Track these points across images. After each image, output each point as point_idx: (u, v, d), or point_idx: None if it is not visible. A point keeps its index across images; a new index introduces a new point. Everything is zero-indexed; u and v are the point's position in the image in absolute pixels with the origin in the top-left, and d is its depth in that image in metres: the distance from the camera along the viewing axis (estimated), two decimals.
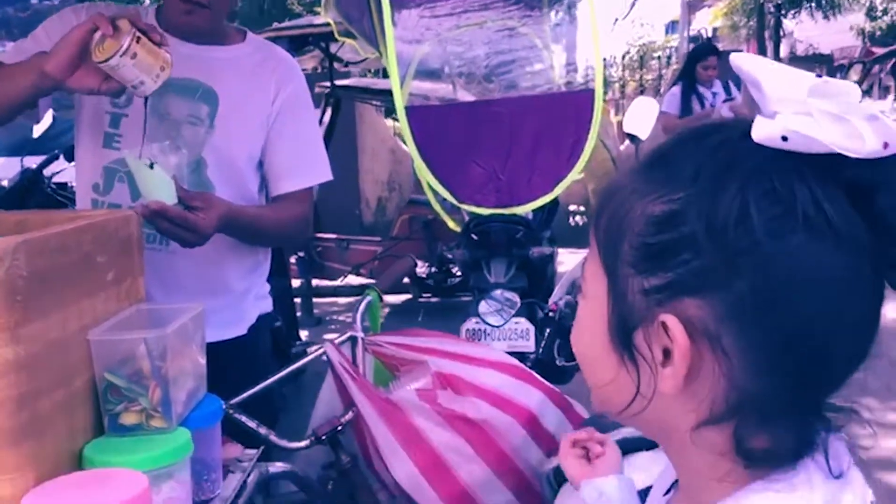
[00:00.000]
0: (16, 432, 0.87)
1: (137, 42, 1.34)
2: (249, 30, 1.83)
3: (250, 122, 1.70)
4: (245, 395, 1.55)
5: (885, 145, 0.54)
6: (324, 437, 1.60)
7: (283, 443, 1.56)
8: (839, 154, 0.53)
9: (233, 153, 1.68)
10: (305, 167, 1.79)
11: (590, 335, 0.67)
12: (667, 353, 0.60)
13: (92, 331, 1.02)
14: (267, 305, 1.85)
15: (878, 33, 17.77)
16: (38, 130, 4.57)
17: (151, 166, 1.37)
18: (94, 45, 1.34)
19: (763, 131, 0.55)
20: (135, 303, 1.17)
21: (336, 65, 6.04)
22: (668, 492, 0.75)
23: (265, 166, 1.74)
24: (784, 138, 0.55)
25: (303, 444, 1.59)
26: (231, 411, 1.46)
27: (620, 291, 0.62)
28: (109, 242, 1.11)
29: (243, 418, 1.50)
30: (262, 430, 1.53)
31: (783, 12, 15.90)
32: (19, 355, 0.87)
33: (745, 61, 0.59)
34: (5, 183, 3.64)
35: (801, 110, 0.55)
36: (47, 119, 2.58)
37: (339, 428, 1.60)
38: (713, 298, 0.56)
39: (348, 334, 1.72)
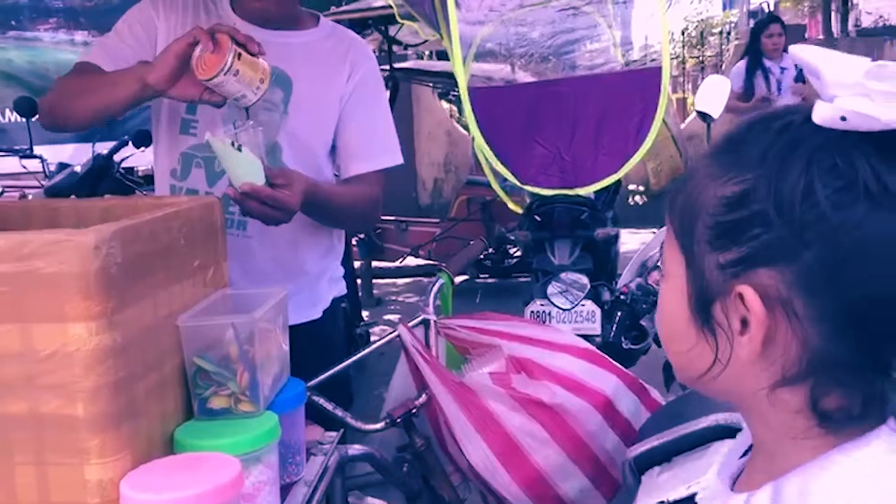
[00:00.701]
0: (115, 416, 0.89)
1: (238, 59, 1.37)
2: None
3: (324, 106, 1.70)
4: (323, 376, 1.57)
5: None
6: (398, 420, 1.61)
7: (360, 424, 1.57)
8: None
9: (307, 138, 1.69)
10: (377, 150, 1.77)
11: (672, 311, 0.72)
12: (744, 322, 0.65)
13: (181, 316, 1.04)
14: (341, 288, 1.86)
15: None
16: None
17: (239, 148, 1.36)
18: (196, 60, 1.37)
19: (823, 113, 0.60)
20: (220, 288, 1.19)
21: (394, 47, 6.04)
22: (743, 455, 0.79)
23: (337, 149, 1.75)
24: (843, 118, 0.59)
25: (378, 426, 1.60)
26: (310, 394, 1.48)
27: (698, 268, 0.68)
28: (195, 229, 1.12)
29: (321, 401, 1.52)
30: (339, 413, 1.54)
31: None
32: (116, 341, 0.88)
33: (802, 51, 0.64)
34: (78, 168, 3.73)
35: (859, 92, 0.59)
36: None
37: (414, 411, 1.61)
38: (785, 268, 0.62)
39: (420, 317, 1.72)
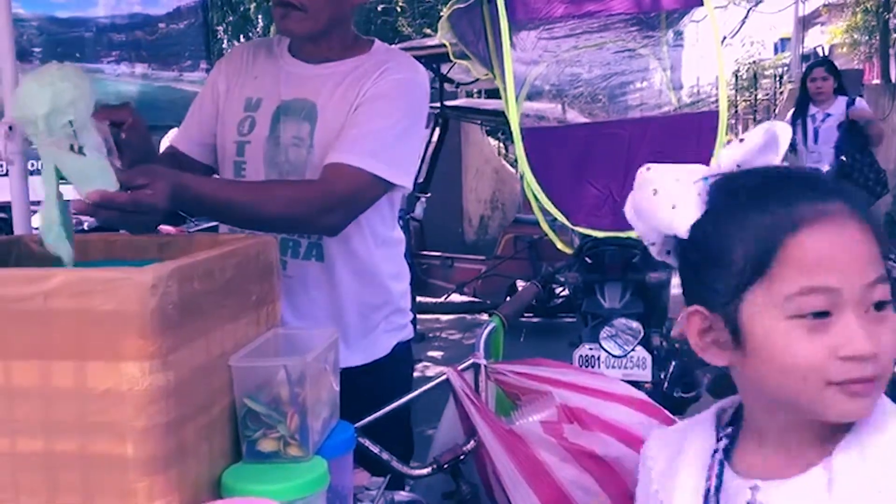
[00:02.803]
0: (165, 458, 0.87)
1: None
2: None
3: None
4: (369, 418, 1.54)
5: None
6: (446, 466, 1.57)
7: (407, 470, 1.54)
8: None
9: None
10: (357, 147, 1.54)
11: None
12: None
13: (233, 356, 1.02)
14: (406, 334, 1.84)
15: None
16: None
17: (81, 151, 1.12)
18: None
19: None
20: (272, 327, 1.17)
21: (445, 85, 6.09)
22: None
23: None
24: None
25: (425, 471, 1.57)
26: (357, 436, 1.45)
27: None
28: (251, 267, 1.11)
29: (368, 443, 1.49)
30: (386, 456, 1.51)
31: None
32: (170, 382, 0.87)
33: None
34: None
35: None
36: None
37: (462, 457, 1.57)
38: None
39: (471, 360, 1.68)
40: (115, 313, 0.84)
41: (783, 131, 0.90)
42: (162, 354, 0.86)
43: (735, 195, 0.86)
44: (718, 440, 0.92)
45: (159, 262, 0.90)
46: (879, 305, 0.80)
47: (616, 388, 1.64)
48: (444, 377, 1.63)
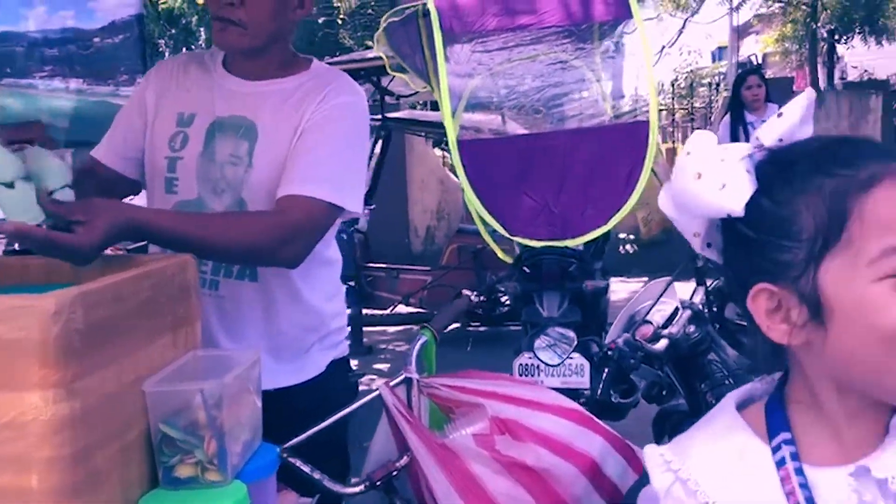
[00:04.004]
0: (73, 488, 0.85)
1: None
2: None
3: (283, 154, 1.59)
4: (299, 438, 1.52)
5: None
6: (379, 483, 1.56)
7: (339, 488, 1.52)
8: None
9: (269, 189, 1.57)
10: (309, 176, 1.54)
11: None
12: None
13: (147, 381, 1.00)
14: (341, 351, 1.82)
15: None
16: None
17: (11, 185, 1.11)
18: None
19: None
20: (191, 349, 1.15)
21: (387, 98, 6.09)
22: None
23: None
24: None
25: (358, 489, 1.55)
26: (286, 455, 1.43)
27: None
28: (167, 288, 1.10)
29: (298, 463, 1.47)
30: (317, 476, 1.49)
31: (836, 38, 15.62)
32: (75, 410, 0.85)
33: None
34: None
35: None
36: None
37: (395, 473, 1.56)
38: None
39: (403, 376, 1.68)
40: (16, 342, 0.82)
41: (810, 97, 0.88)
42: (66, 383, 0.83)
43: (793, 165, 0.83)
44: (776, 446, 0.85)
45: (68, 287, 0.88)
46: None
47: (548, 399, 1.65)
48: (375, 393, 1.62)
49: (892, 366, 0.77)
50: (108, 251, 1.29)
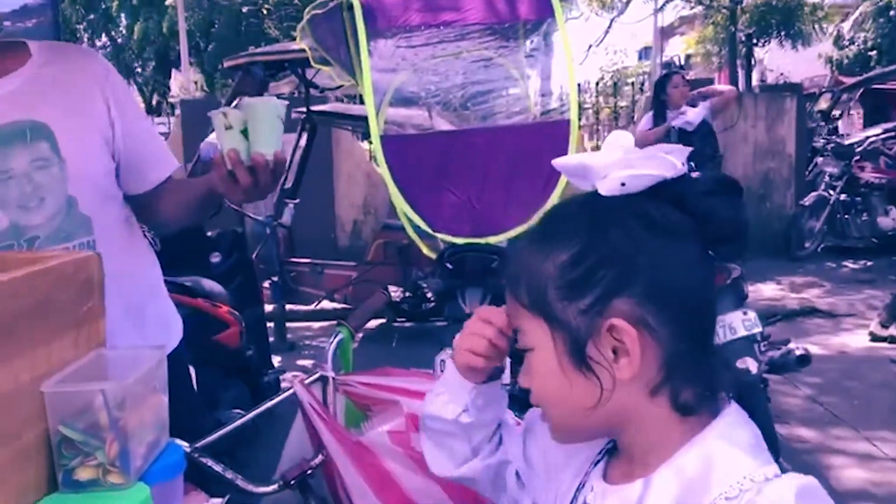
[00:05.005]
0: None
1: None
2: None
3: (92, 136, 1.60)
4: (212, 437, 1.50)
5: (684, 164, 0.86)
6: (293, 482, 1.55)
7: (251, 487, 1.50)
8: (661, 179, 0.84)
9: (91, 178, 1.60)
10: (167, 153, 1.79)
11: (546, 374, 0.87)
12: (615, 351, 0.82)
13: (46, 382, 0.97)
14: (177, 330, 1.87)
15: (846, 62, 18.08)
16: None
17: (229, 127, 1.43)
18: None
19: (607, 186, 0.85)
20: (95, 347, 1.12)
21: (312, 90, 6.01)
22: (597, 462, 0.95)
23: (126, 166, 1.68)
24: (623, 184, 0.84)
25: (271, 488, 1.53)
26: (196, 455, 1.41)
27: (564, 322, 0.84)
28: (68, 285, 1.06)
29: (209, 461, 1.45)
30: (229, 475, 1.47)
31: (754, 41, 16.14)
32: None
33: (565, 163, 0.91)
34: None
35: (624, 165, 0.85)
36: None
37: (309, 472, 1.55)
38: (631, 293, 0.81)
39: (318, 374, 1.66)
40: None
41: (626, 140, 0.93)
42: None
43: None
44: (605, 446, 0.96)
45: None
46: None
47: None
48: (290, 391, 1.61)
49: None
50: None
